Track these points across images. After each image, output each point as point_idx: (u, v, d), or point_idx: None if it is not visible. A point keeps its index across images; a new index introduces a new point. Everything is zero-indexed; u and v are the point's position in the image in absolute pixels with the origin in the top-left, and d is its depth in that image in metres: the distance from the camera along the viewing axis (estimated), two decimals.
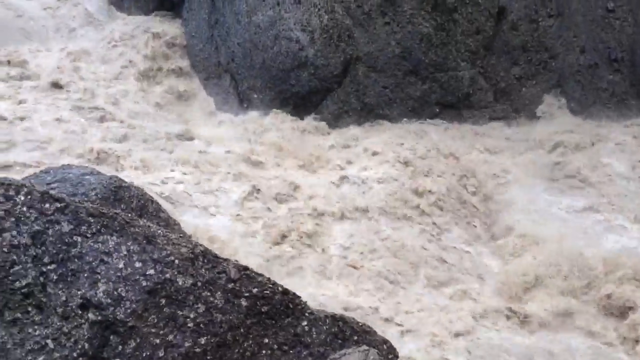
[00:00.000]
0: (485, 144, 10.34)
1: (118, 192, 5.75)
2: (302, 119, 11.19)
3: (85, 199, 5.29)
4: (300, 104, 11.26)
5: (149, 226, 3.35)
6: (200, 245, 3.40)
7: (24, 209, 2.95)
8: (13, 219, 2.89)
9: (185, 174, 8.98)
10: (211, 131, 10.93)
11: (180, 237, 3.51)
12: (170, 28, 14.76)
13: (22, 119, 10.25)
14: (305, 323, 3.31)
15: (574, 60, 11.30)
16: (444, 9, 10.51)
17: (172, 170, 9.05)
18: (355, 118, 10.99)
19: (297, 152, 10.00)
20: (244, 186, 8.69)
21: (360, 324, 3.49)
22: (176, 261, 3.16)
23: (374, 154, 9.67)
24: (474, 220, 8.61)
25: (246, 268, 3.36)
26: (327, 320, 3.37)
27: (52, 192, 3.20)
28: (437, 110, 10.98)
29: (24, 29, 15.30)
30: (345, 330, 3.39)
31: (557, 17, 11.15)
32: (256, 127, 10.83)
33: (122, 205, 5.58)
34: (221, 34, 12.62)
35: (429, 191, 8.56)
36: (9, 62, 12.85)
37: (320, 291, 6.79)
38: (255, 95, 11.73)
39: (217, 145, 10.14)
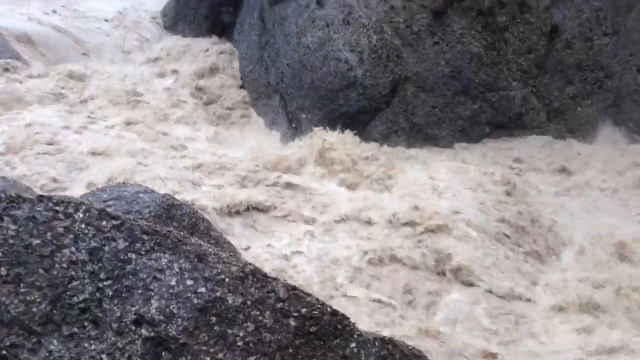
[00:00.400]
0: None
1: (170, 210, 5.88)
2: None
3: (140, 216, 5.44)
4: (348, 123, 11.28)
5: (200, 244, 3.40)
6: (250, 264, 3.42)
7: (82, 226, 3.05)
8: (72, 236, 2.98)
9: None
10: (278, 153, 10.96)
11: (231, 255, 3.55)
12: (221, 49, 15.16)
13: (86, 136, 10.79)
14: (353, 345, 3.28)
15: (630, 80, 10.98)
16: (495, 28, 10.40)
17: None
18: (404, 138, 10.94)
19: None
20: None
21: (410, 348, 3.43)
22: (226, 279, 3.19)
23: (431, 177, 9.53)
24: None
25: (295, 288, 3.36)
26: (376, 343, 3.33)
27: (108, 209, 3.29)
28: (488, 130, 10.82)
29: (81, 50, 15.96)
30: (394, 353, 3.34)
31: (612, 36, 10.88)
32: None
33: (174, 223, 5.70)
34: (271, 55, 12.82)
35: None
36: (71, 77, 13.50)
37: None
38: (304, 115, 11.83)
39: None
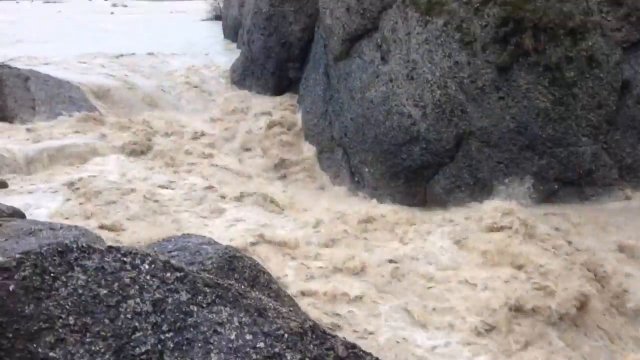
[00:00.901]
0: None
1: (232, 262, 5.94)
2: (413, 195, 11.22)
3: (202, 267, 5.52)
4: (411, 177, 11.23)
5: (260, 298, 3.40)
6: (310, 320, 3.39)
7: (148, 277, 3.11)
8: (137, 287, 3.05)
9: None
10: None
11: (290, 310, 3.53)
12: (286, 104, 15.57)
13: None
14: None
15: None
16: (563, 83, 10.21)
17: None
18: (468, 193, 10.76)
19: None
20: None
21: None
22: (286, 335, 3.17)
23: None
24: None
25: (354, 346, 3.30)
26: None
27: (172, 261, 3.36)
28: (556, 186, 10.50)
29: (153, 105, 16.72)
30: None
31: None
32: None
33: (235, 275, 5.74)
34: (335, 109, 13.03)
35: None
36: (142, 129, 14.17)
37: None
38: (367, 169, 11.86)
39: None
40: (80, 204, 10.28)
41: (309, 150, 13.88)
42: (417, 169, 11.15)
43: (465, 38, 10.53)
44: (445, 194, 10.92)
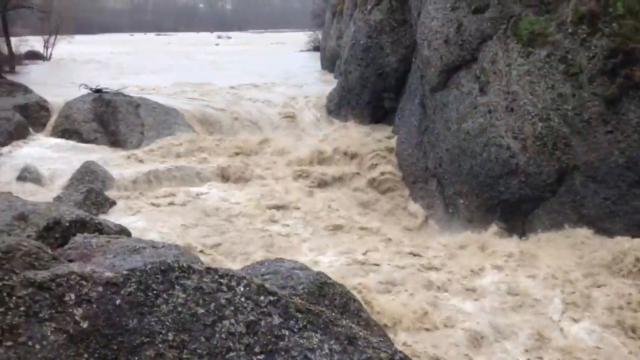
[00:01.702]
0: None
1: (323, 288, 5.96)
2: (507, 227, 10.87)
3: (294, 292, 5.57)
4: (508, 211, 10.87)
5: (351, 327, 3.39)
6: (400, 352, 3.34)
7: (243, 299, 3.19)
8: (232, 308, 3.13)
9: None
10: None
11: (381, 340, 3.49)
12: (381, 134, 15.60)
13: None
14: None
15: None
16: None
17: None
18: (570, 230, 10.25)
19: None
20: None
21: None
22: None
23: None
24: None
25: None
26: None
27: (266, 284, 3.42)
28: None
29: (250, 131, 17.31)
30: None
31: None
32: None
33: (326, 301, 5.75)
34: (430, 140, 12.91)
35: None
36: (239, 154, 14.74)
37: None
38: (462, 201, 11.62)
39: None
40: (182, 224, 10.75)
41: (401, 179, 13.83)
42: (515, 203, 10.79)
43: (570, 69, 10.17)
44: (544, 229, 10.46)
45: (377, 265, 9.46)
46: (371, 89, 16.40)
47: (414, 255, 9.90)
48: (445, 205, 12.14)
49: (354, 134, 15.96)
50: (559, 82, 10.22)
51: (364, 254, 9.88)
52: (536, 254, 9.65)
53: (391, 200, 13.31)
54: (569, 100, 10.12)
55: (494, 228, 10.81)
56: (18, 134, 16.25)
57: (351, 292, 6.43)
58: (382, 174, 13.98)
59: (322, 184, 13.74)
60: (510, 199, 10.80)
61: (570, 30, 10.26)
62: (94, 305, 2.94)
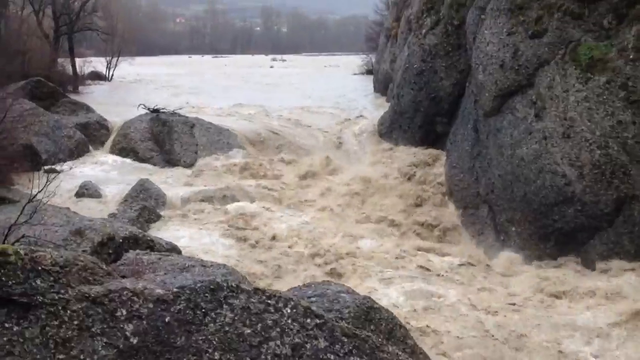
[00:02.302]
0: None
1: (369, 313, 5.91)
2: (555, 258, 10.52)
3: (340, 315, 5.54)
4: (562, 241, 10.54)
5: (397, 354, 3.35)
6: None
7: (289, 321, 3.20)
8: (279, 329, 3.14)
9: None
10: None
11: None
12: (432, 158, 15.45)
13: None
14: None
15: None
16: None
17: None
18: (626, 262, 9.86)
19: None
20: None
21: None
22: None
23: None
24: None
25: None
26: None
27: (313, 307, 3.43)
28: None
29: (298, 152, 17.45)
30: None
31: None
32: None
33: (371, 326, 5.70)
34: (482, 165, 12.70)
35: None
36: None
37: None
38: (514, 228, 11.35)
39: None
40: (229, 244, 10.87)
41: (452, 204, 13.64)
42: (570, 232, 10.47)
43: (631, 97, 9.88)
44: (600, 260, 10.10)
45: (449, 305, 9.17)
46: (423, 113, 16.31)
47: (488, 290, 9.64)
48: (497, 232, 11.89)
49: (405, 158, 15.86)
50: (618, 109, 9.93)
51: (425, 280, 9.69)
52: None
53: (440, 224, 13.10)
54: (629, 128, 9.81)
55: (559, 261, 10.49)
56: (78, 151, 16.89)
57: (397, 318, 6.36)
58: (432, 197, 13.85)
59: (374, 209, 13.65)
60: (565, 228, 10.49)
61: (631, 57, 9.99)
62: (144, 322, 3.00)
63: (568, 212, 10.42)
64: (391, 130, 17.80)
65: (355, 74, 44.55)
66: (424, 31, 16.27)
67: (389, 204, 13.82)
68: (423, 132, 16.48)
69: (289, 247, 10.98)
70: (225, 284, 3.12)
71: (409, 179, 14.82)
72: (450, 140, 15.01)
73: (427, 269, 10.53)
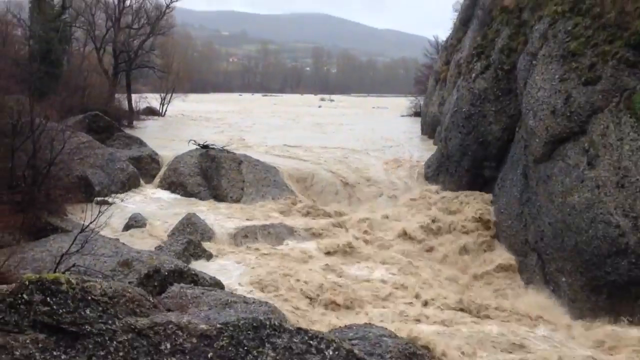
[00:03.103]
0: None
1: (412, 359, 5.80)
2: (608, 312, 10.09)
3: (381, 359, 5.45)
4: (615, 294, 10.13)
5: None
6: None
7: None
8: None
9: None
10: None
11: None
12: (479, 203, 15.22)
13: None
14: None
15: None
16: None
17: None
18: None
19: None
20: None
21: None
22: None
23: None
24: None
25: None
26: None
27: (355, 350, 3.38)
28: None
29: (346, 192, 17.49)
30: None
31: None
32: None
33: None
34: (532, 212, 12.44)
35: None
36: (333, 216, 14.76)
37: None
38: (564, 279, 10.99)
39: None
40: (273, 281, 10.88)
41: (501, 251, 13.34)
42: (624, 285, 10.05)
43: None
44: None
45: None
46: (471, 157, 16.16)
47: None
48: (546, 281, 11.54)
49: (452, 202, 15.68)
50: None
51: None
52: None
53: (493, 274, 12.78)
54: None
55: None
56: (130, 184, 17.36)
57: None
58: (481, 244, 13.62)
59: (425, 258, 13.47)
60: (619, 281, 10.09)
61: None
62: (187, 357, 3.02)
63: (622, 264, 10.04)
64: (438, 173, 17.69)
65: (403, 116, 44.70)
66: (473, 75, 16.26)
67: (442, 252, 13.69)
68: (470, 176, 16.31)
69: (326, 285, 10.87)
70: (268, 322, 3.12)
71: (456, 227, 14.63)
72: (498, 185, 14.79)
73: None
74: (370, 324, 7.62)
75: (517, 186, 13.46)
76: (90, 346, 3.17)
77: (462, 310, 10.56)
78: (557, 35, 12.37)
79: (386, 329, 6.98)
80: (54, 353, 3.32)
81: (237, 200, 16.60)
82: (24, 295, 3.63)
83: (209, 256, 12.05)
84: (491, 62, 15.87)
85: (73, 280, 3.57)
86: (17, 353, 3.39)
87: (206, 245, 12.56)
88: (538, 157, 12.32)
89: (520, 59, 14.09)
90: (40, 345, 3.38)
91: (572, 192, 11.09)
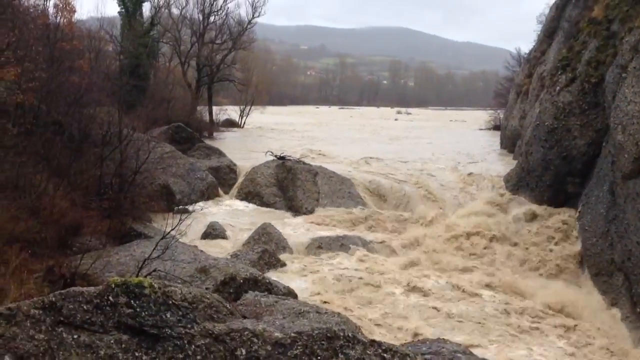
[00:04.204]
0: None
1: None
2: None
3: None
4: None
5: None
6: None
7: None
8: None
9: None
10: None
11: None
12: (562, 220, 14.65)
13: None
14: None
15: None
16: None
17: None
18: None
19: None
20: None
21: None
22: None
23: None
24: None
25: None
26: None
27: None
28: None
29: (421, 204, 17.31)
30: None
31: None
32: None
33: None
34: (619, 230, 11.83)
35: None
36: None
37: None
38: None
39: None
40: (345, 292, 10.88)
41: (582, 270, 12.78)
42: None
43: None
44: None
45: None
46: (553, 172, 15.59)
47: None
48: (633, 303, 10.92)
49: (534, 217, 15.20)
50: None
51: None
52: None
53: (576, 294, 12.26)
54: None
55: None
56: (209, 193, 17.88)
57: None
58: (563, 261, 13.12)
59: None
60: None
61: None
62: None
63: None
64: (517, 187, 17.16)
65: (481, 129, 43.75)
66: (558, 88, 15.72)
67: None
68: (552, 192, 15.72)
69: (399, 298, 10.75)
70: (341, 333, 3.13)
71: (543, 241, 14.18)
72: (582, 202, 14.18)
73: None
74: (444, 339, 7.48)
75: (603, 203, 12.85)
76: (170, 349, 3.27)
77: None
78: None
79: (460, 345, 6.84)
80: (136, 354, 3.45)
81: (312, 212, 16.74)
82: (110, 298, 3.81)
83: (282, 265, 12.21)
84: (577, 74, 15.30)
85: (155, 285, 3.71)
86: (102, 353, 3.55)
87: (280, 254, 12.73)
88: (627, 173, 11.72)
89: (609, 72, 13.51)
90: (123, 345, 3.53)
91: None
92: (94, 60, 19.34)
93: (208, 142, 25.54)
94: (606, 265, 12.16)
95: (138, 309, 3.51)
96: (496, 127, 39.20)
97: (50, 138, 12.61)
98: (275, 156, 19.70)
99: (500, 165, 22.29)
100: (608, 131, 13.45)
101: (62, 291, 4.08)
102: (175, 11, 36.45)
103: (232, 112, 43.10)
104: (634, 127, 11.60)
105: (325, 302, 10.17)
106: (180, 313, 3.42)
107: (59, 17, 17.42)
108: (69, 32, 16.92)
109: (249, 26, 38.60)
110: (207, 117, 36.56)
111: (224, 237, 14.19)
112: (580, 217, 14.10)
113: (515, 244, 14.30)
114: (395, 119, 62.24)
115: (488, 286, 12.08)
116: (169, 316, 3.44)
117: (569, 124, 15.10)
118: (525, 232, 14.61)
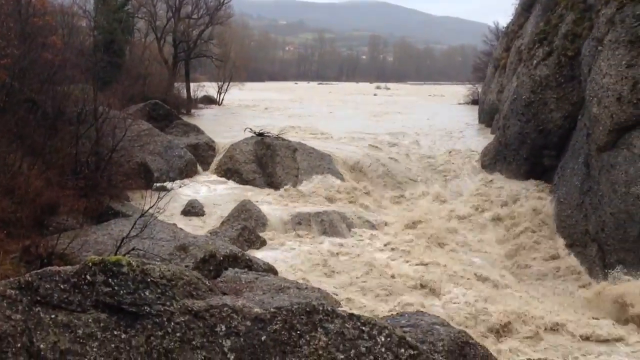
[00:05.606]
0: None
1: (464, 349, 5.72)
2: None
3: (433, 348, 5.41)
4: None
5: None
6: None
7: (383, 349, 3.17)
8: (372, 357, 3.12)
9: None
10: None
11: None
12: (538, 192, 14.85)
13: None
14: None
15: None
16: None
17: None
18: None
19: None
20: None
21: None
22: None
23: None
24: None
25: None
26: None
27: (408, 337, 3.37)
28: None
29: (402, 182, 17.40)
30: None
31: None
32: None
33: None
34: (593, 202, 12.04)
35: None
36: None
37: None
38: (625, 270, 10.62)
39: None
40: (324, 266, 10.96)
41: (556, 240, 13.02)
42: None
43: None
44: None
45: None
46: (530, 145, 15.76)
47: None
48: (605, 274, 11.17)
49: (508, 190, 15.39)
50: None
51: None
52: None
53: (545, 262, 12.49)
54: None
55: None
56: (187, 170, 17.72)
57: (494, 356, 6.11)
58: (536, 230, 13.36)
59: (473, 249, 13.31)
60: None
61: None
62: (242, 339, 3.09)
63: None
64: (495, 161, 17.33)
65: (460, 104, 43.91)
66: (535, 62, 15.80)
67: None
68: (529, 165, 15.92)
69: (381, 275, 10.85)
70: (321, 308, 3.15)
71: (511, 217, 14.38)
72: (558, 174, 14.38)
73: None
74: (422, 311, 7.57)
75: (578, 175, 13.05)
76: (149, 326, 3.28)
77: None
78: (625, 20, 11.87)
79: (438, 317, 6.93)
80: (115, 332, 3.45)
81: (291, 187, 16.72)
82: (87, 276, 3.79)
83: (262, 242, 12.22)
84: (554, 48, 15.38)
85: (133, 263, 3.70)
86: (80, 332, 3.54)
87: (260, 231, 12.73)
88: (601, 145, 11.89)
89: (585, 45, 13.60)
90: (101, 324, 3.52)
91: (636, 182, 10.69)
92: (67, 36, 18.87)
93: (186, 119, 25.25)
94: (580, 236, 12.39)
95: (116, 288, 3.50)
96: (474, 102, 39.36)
97: (24, 116, 12.36)
98: (254, 132, 19.56)
99: (477, 139, 22.44)
100: (584, 104, 13.59)
101: (39, 271, 4.05)
102: None
103: (210, 88, 42.59)
104: (608, 99, 11.74)
105: (304, 278, 10.22)
106: (159, 291, 3.42)
107: None
108: (41, 7, 16.47)
109: (226, 1, 38.02)
110: (184, 94, 36.10)
111: (203, 214, 14.13)
112: (555, 189, 14.30)
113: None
114: (374, 94, 62.11)
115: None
116: (147, 294, 3.43)
117: (546, 97, 15.22)
118: None
